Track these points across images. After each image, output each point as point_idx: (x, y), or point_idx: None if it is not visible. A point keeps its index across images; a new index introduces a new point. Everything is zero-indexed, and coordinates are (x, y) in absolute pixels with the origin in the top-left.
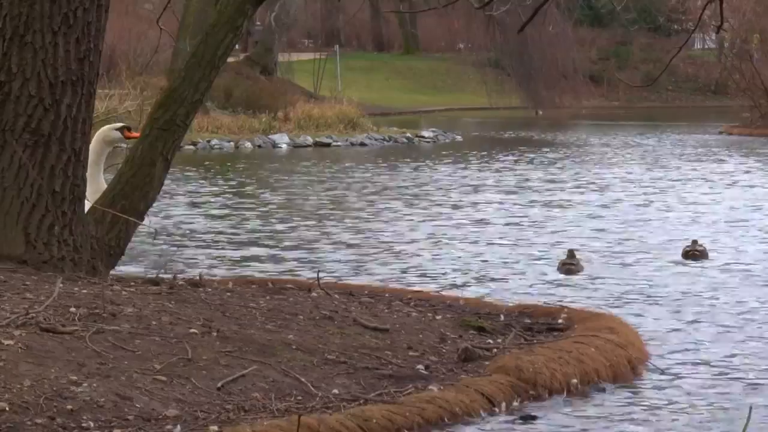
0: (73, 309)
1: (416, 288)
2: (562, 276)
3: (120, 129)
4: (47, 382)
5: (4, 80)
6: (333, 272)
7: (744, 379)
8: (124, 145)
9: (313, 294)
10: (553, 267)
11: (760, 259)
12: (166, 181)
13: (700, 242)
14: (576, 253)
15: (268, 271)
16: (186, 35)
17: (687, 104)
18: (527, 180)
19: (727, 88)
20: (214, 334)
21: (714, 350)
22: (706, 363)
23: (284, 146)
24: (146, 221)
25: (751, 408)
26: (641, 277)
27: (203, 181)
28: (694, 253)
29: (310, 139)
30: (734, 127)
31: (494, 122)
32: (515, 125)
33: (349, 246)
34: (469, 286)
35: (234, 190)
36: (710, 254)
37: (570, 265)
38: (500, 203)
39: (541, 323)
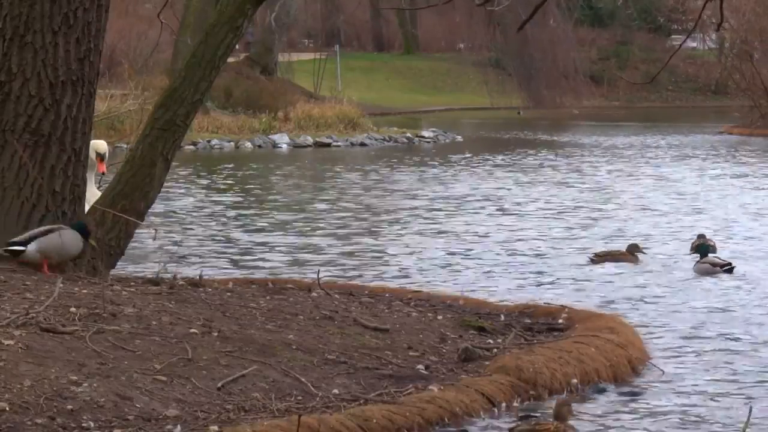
0: (73, 309)
1: (416, 288)
2: (593, 270)
3: (101, 153)
4: (47, 382)
5: (5, 80)
6: (333, 272)
7: (744, 379)
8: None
9: (313, 294)
10: (552, 267)
11: (762, 258)
12: (166, 182)
13: (708, 237)
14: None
15: (268, 271)
16: (186, 35)
17: (687, 104)
18: (528, 180)
19: (727, 88)
20: (214, 334)
21: (714, 350)
22: (707, 363)
23: (284, 146)
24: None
25: (751, 408)
26: (642, 277)
27: (203, 181)
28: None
29: (310, 139)
30: (734, 127)
31: (494, 122)
32: (515, 125)
33: (350, 246)
34: (469, 286)
35: (234, 190)
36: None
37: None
38: (500, 203)
39: (541, 323)
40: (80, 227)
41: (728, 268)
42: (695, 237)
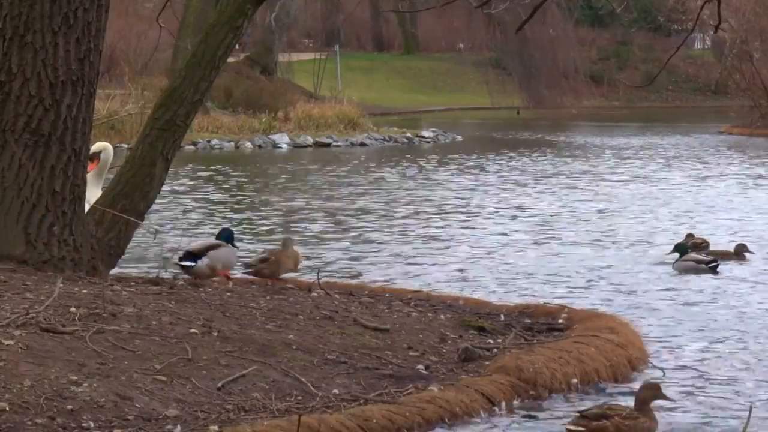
0: (73, 309)
1: (416, 288)
2: (565, 275)
3: (95, 153)
4: (47, 382)
5: (5, 80)
6: (333, 272)
7: (744, 378)
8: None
9: (313, 294)
10: (551, 266)
11: (760, 257)
12: (165, 182)
13: (697, 235)
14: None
15: None
16: (186, 35)
17: (687, 104)
18: (527, 181)
19: (727, 88)
20: (215, 334)
21: (714, 350)
22: (707, 362)
23: (284, 146)
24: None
25: (751, 408)
26: (641, 277)
27: (202, 181)
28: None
29: (310, 139)
30: (734, 127)
31: (494, 122)
32: (515, 126)
33: (350, 246)
34: (469, 286)
35: (233, 190)
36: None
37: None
38: (499, 204)
39: (541, 323)
40: (227, 237)
41: (713, 266)
42: (685, 237)
